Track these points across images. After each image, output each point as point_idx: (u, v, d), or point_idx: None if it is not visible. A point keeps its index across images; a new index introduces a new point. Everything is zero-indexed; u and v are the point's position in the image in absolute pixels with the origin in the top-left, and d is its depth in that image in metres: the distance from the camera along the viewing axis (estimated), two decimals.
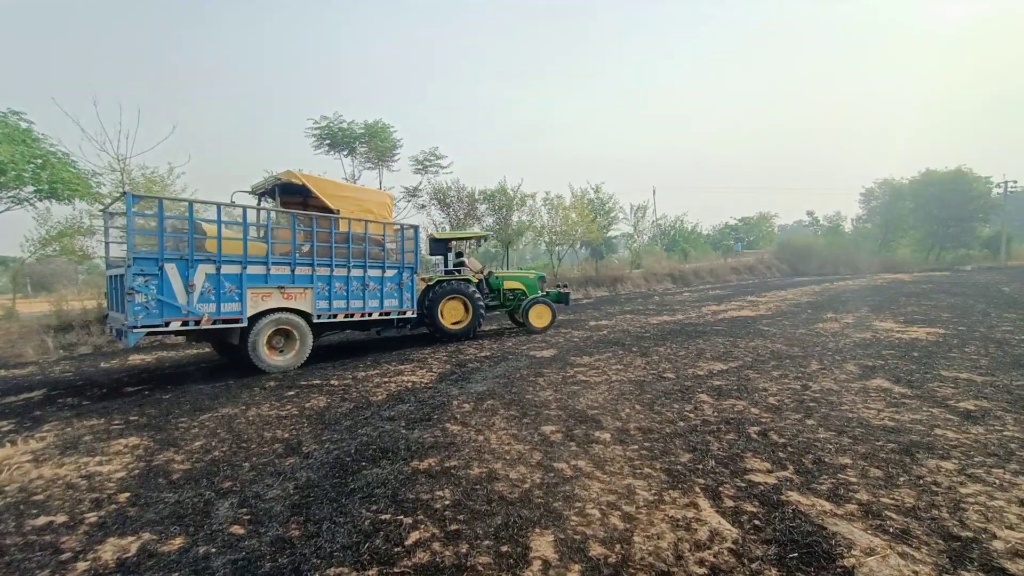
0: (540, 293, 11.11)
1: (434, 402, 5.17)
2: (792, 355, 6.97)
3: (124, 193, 6.29)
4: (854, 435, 3.81)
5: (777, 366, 6.32)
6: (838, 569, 2.17)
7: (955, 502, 2.74)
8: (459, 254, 10.75)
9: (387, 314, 8.44)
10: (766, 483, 3.04)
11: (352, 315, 7.97)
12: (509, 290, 11.03)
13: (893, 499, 2.79)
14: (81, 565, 2.41)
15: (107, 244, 7.32)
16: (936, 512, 2.64)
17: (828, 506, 2.73)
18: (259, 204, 9.01)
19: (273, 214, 7.93)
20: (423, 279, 9.48)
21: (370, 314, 8.18)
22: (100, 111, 12.25)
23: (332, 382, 6.37)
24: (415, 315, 8.89)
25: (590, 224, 23.11)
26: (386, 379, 6.44)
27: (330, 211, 7.97)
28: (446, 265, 10.71)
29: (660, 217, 37.23)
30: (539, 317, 10.54)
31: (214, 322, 6.57)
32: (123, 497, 3.15)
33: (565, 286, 12.16)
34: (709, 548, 2.37)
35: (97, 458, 3.90)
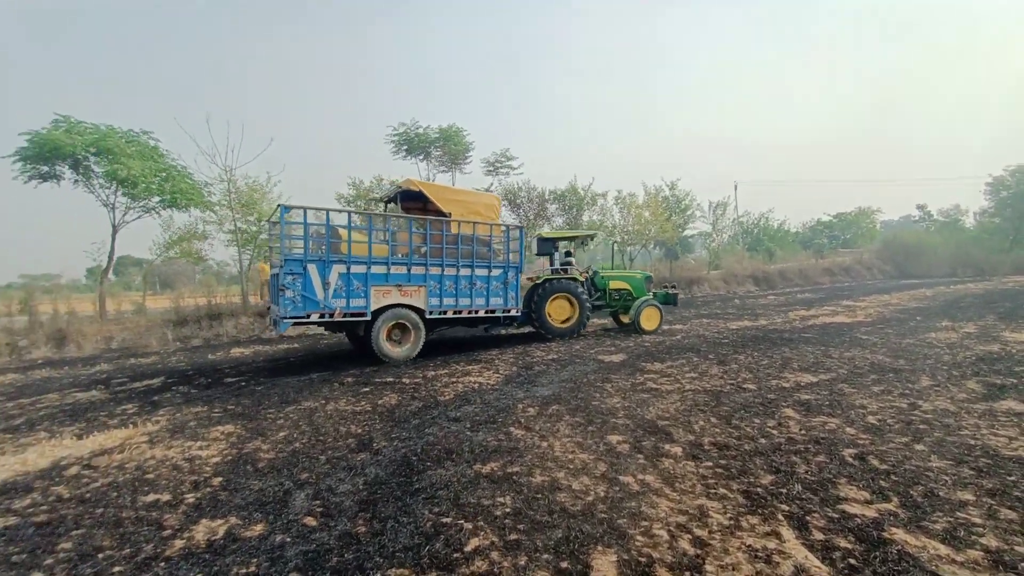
0: (648, 294, 11.06)
1: (499, 404, 5.19)
2: (897, 368, 6.18)
3: (279, 206, 7.35)
4: (977, 466, 3.28)
5: (878, 380, 5.63)
6: None
7: None
8: (567, 253, 11.01)
9: (492, 311, 8.84)
10: (864, 515, 2.69)
11: (460, 312, 8.51)
12: (615, 290, 11.10)
13: None
14: (178, 543, 2.66)
15: (270, 247, 8.65)
16: None
17: (944, 550, 2.35)
18: (385, 210, 10.01)
19: (393, 219, 8.95)
20: (530, 278, 9.97)
21: (477, 311, 8.67)
22: (212, 127, 13.76)
23: (404, 380, 6.61)
24: (519, 313, 9.19)
25: (664, 223, 22.20)
26: (454, 379, 6.57)
27: (444, 215, 8.68)
28: (552, 264, 10.94)
29: (742, 214, 34.90)
30: (648, 319, 10.51)
31: (344, 315, 7.44)
32: (217, 481, 3.47)
33: (674, 286, 12.09)
34: None
35: (199, 443, 4.33)
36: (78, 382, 7.60)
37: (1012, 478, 3.09)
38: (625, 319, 11.31)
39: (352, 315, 7.50)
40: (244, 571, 2.39)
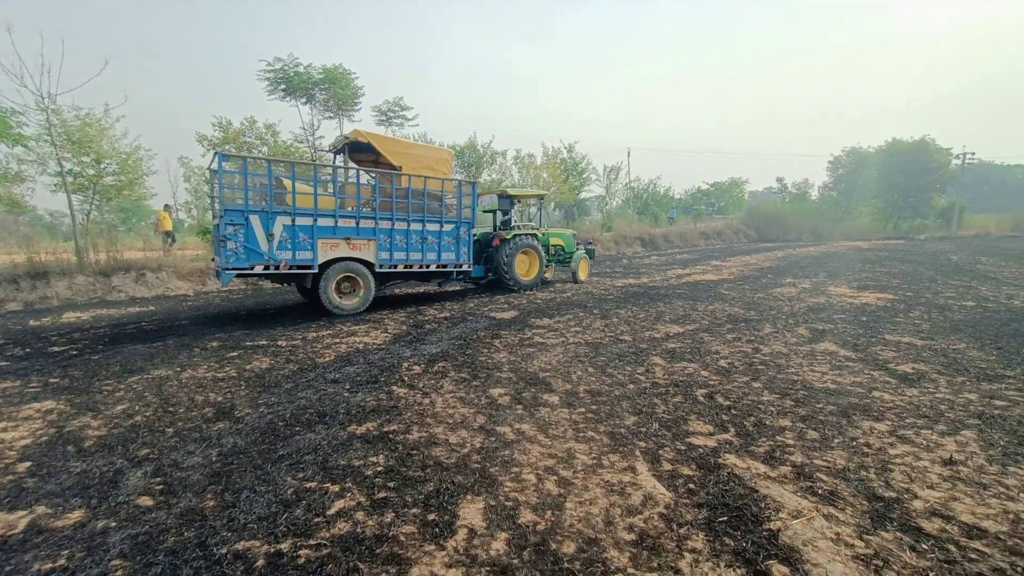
0: (576, 249, 12.53)
1: (383, 364, 5.00)
2: (748, 319, 7.06)
3: (216, 152, 6.96)
4: (796, 398, 3.86)
5: (732, 329, 6.38)
6: (764, 532, 2.16)
7: (883, 463, 2.78)
8: (505, 212, 11.32)
9: (444, 266, 8.94)
10: (706, 446, 3.03)
11: (411, 266, 8.55)
12: (554, 246, 12.19)
13: (826, 461, 2.82)
14: None
15: (212, 198, 8.06)
16: (864, 473, 2.67)
17: (763, 469, 2.73)
18: (334, 161, 9.59)
19: (341, 170, 8.53)
20: (502, 234, 10.34)
21: (427, 266, 8.71)
22: (15, 40, 10.84)
23: (280, 343, 6.09)
24: (471, 268, 9.36)
25: (562, 184, 22.78)
26: (337, 340, 6.20)
27: (394, 168, 8.46)
28: (502, 221, 11.21)
29: (634, 180, 37.10)
30: (583, 270, 12.25)
31: (290, 268, 7.31)
32: (23, 467, 2.89)
33: (590, 243, 13.63)
34: (641, 513, 2.33)
35: (2, 424, 3.59)
36: None
37: (819, 405, 3.69)
38: (547, 273, 12.36)
39: (299, 267, 7.37)
40: (49, 566, 2.02)
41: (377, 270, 8.17)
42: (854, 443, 3.04)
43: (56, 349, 6.12)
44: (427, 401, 3.91)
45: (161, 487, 2.62)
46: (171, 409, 3.81)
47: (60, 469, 2.85)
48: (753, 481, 2.59)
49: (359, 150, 9.17)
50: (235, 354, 5.58)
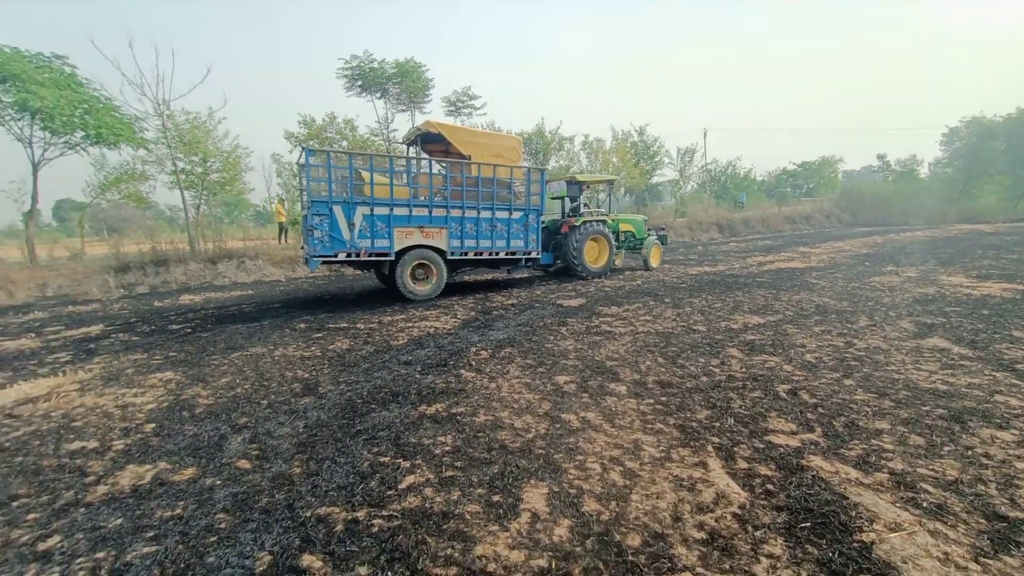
0: (648, 234, 12.16)
1: (452, 348, 5.16)
2: (840, 310, 6.45)
3: (303, 149, 7.49)
4: (897, 398, 3.47)
5: (821, 321, 5.86)
6: (854, 544, 1.97)
7: (1008, 478, 2.43)
8: (574, 198, 11.24)
9: (512, 254, 9.00)
10: (787, 445, 2.82)
11: (481, 253, 8.70)
12: (624, 232, 11.77)
13: (932, 470, 2.52)
14: (101, 489, 2.56)
15: (301, 191, 8.68)
16: (982, 488, 2.35)
17: (854, 474, 2.50)
18: (408, 153, 9.95)
19: (414, 161, 8.94)
20: (571, 221, 10.21)
21: (497, 253, 8.83)
22: (136, 53, 12.34)
23: (358, 326, 6.49)
24: (539, 255, 9.33)
25: (632, 169, 22.01)
26: (410, 324, 6.49)
27: (464, 157, 8.61)
28: (571, 208, 11.20)
29: (710, 162, 34.97)
30: (655, 256, 11.99)
31: (369, 255, 7.71)
32: (149, 427, 3.34)
33: (662, 229, 13.24)
34: (712, 511, 2.22)
35: (134, 390, 4.15)
36: (8, 331, 7.14)
37: (926, 408, 3.29)
38: (617, 260, 12.13)
39: (377, 255, 7.75)
40: (169, 514, 2.32)
41: (449, 257, 8.38)
42: (970, 453, 2.69)
43: (174, 327, 6.96)
44: (493, 385, 3.98)
45: (257, 452, 2.91)
46: (265, 383, 4.21)
47: (177, 432, 3.25)
48: (842, 487, 2.38)
49: (431, 141, 9.46)
50: (320, 335, 6.02)
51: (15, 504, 2.47)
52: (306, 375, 4.42)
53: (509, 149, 9.35)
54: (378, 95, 16.34)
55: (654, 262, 11.81)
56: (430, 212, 8.10)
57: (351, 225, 7.45)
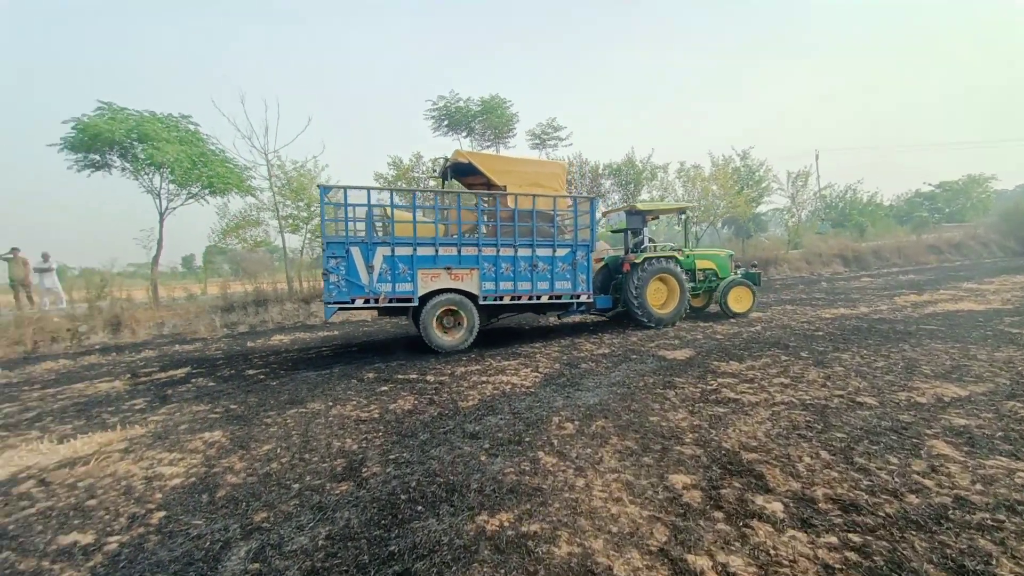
0: (732, 274, 9.94)
1: (530, 416, 4.18)
2: None
3: (318, 186, 6.96)
4: None
5: None
6: None
7: None
8: (635, 232, 9.60)
9: (558, 297, 7.73)
10: None
11: (519, 297, 7.53)
12: (701, 270, 9.86)
13: None
14: None
15: (323, 232, 7.74)
16: None
17: None
18: (442, 187, 8.99)
19: (441, 195, 8.09)
20: (631, 257, 8.75)
21: (538, 297, 7.62)
22: (248, 108, 13.56)
23: (428, 378, 5.78)
24: (590, 298, 7.97)
25: (735, 197, 19.91)
26: (484, 378, 5.64)
27: (499, 188, 7.74)
28: (634, 242, 9.67)
29: (825, 186, 31.09)
30: (738, 300, 9.51)
31: (390, 300, 6.93)
32: (156, 518, 2.74)
33: (755, 265, 10.77)
34: None
35: (173, 455, 3.70)
36: (114, 370, 7.48)
37: None
38: (697, 303, 10.15)
39: (398, 300, 6.96)
40: None
41: (481, 302, 7.34)
42: None
43: (251, 372, 6.79)
44: (581, 483, 2.92)
45: None
46: (306, 456, 3.53)
47: (181, 529, 2.60)
48: None
49: (469, 173, 8.42)
50: (385, 388, 5.38)
51: None
52: (354, 447, 3.69)
53: (552, 176, 8.24)
54: (464, 133, 16.52)
55: (736, 307, 9.42)
56: (459, 251, 7.16)
57: (370, 268, 6.75)
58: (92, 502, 2.98)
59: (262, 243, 18.21)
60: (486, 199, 8.11)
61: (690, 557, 2.16)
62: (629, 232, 9.72)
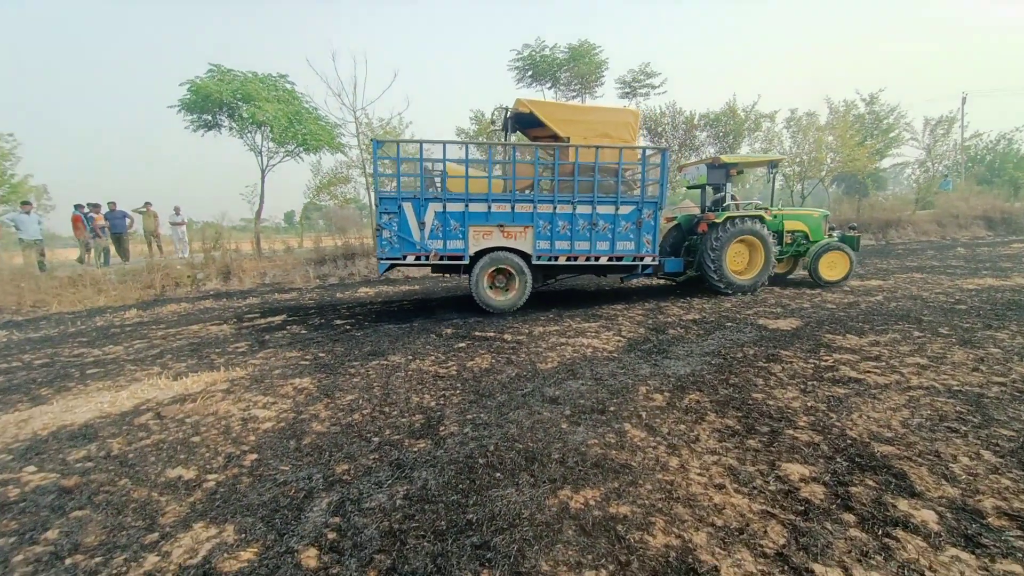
0: (828, 237, 8.77)
1: (614, 383, 3.88)
2: None
3: (372, 140, 6.90)
4: None
5: None
6: None
7: None
8: (718, 188, 8.68)
9: (619, 258, 7.14)
10: None
11: (576, 258, 7.07)
12: (790, 232, 8.79)
13: None
14: (148, 559, 2.01)
15: (376, 186, 7.65)
16: None
17: None
18: (505, 141, 8.54)
19: (495, 148, 7.62)
20: (710, 216, 7.99)
21: (597, 258, 7.09)
22: (338, 65, 13.72)
23: (505, 336, 5.65)
24: (655, 260, 7.29)
25: (855, 148, 17.26)
26: (563, 339, 5.39)
27: (562, 140, 7.17)
28: (713, 199, 8.87)
29: (971, 136, 26.07)
30: (831, 267, 8.37)
31: (441, 258, 6.79)
32: (249, 460, 2.86)
33: (853, 227, 9.32)
34: None
35: (267, 398, 3.89)
36: (223, 315, 8.21)
37: None
38: (780, 268, 9.21)
39: (450, 257, 6.80)
40: None
41: (535, 262, 6.94)
42: None
43: (339, 322, 7.10)
44: (675, 463, 2.61)
45: (334, 537, 2.10)
46: (386, 410, 3.54)
47: (270, 474, 2.68)
48: None
49: (533, 124, 7.71)
50: (462, 344, 5.34)
51: (66, 562, 2.06)
52: (432, 403, 3.64)
53: (621, 125, 7.35)
54: (549, 85, 15.64)
55: (828, 274, 8.27)
56: (512, 208, 6.76)
57: (422, 224, 6.61)
58: (196, 439, 3.19)
59: (351, 200, 19.05)
60: (544, 152, 7.50)
61: (817, 567, 1.80)
62: (707, 188, 8.74)
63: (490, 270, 6.99)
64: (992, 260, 10.79)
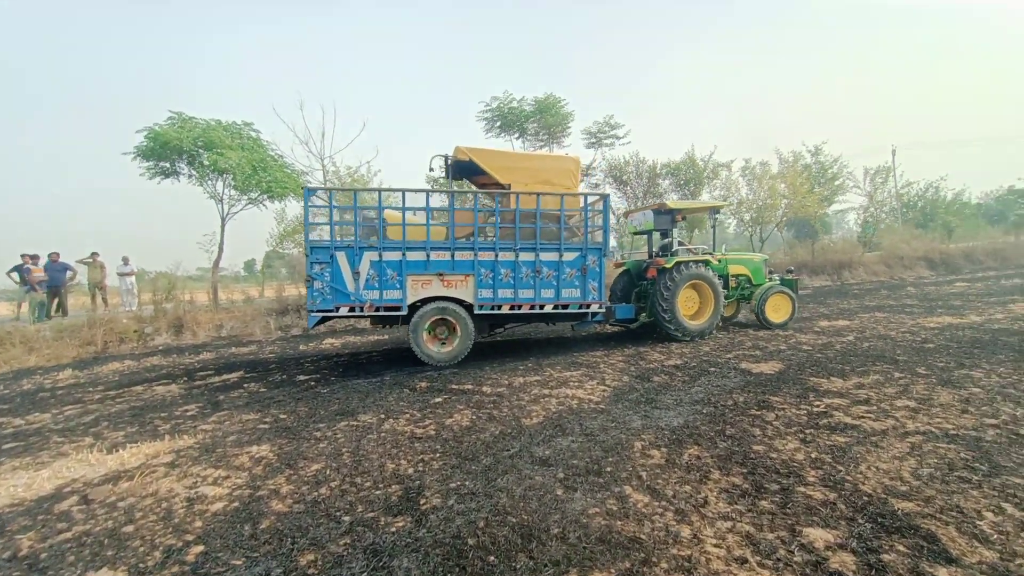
0: (767, 280, 8.97)
1: (607, 440, 3.62)
2: None
3: (303, 188, 6.72)
4: None
5: None
6: None
7: None
8: (664, 234, 8.71)
9: (564, 306, 6.92)
10: None
11: (519, 306, 6.83)
12: (735, 276, 8.90)
13: None
14: None
15: (306, 235, 7.15)
16: None
17: None
18: (450, 187, 8.34)
19: (434, 196, 7.52)
20: (659, 261, 7.88)
21: (541, 306, 6.87)
22: (305, 114, 13.69)
23: (484, 388, 5.33)
24: (600, 307, 7.05)
25: (805, 196, 18.36)
26: (546, 390, 5.12)
27: (502, 187, 7.14)
28: (661, 244, 8.92)
29: (904, 184, 28.35)
30: (776, 310, 8.59)
31: (376, 309, 6.50)
32: (193, 554, 2.40)
33: (791, 271, 9.70)
34: None
35: (218, 472, 3.41)
36: (172, 372, 7.53)
37: None
38: (725, 312, 9.30)
39: (387, 308, 6.52)
40: None
41: (477, 311, 6.72)
42: None
43: (302, 378, 6.59)
44: (687, 533, 2.34)
45: None
46: (357, 481, 3.14)
47: (217, 573, 2.24)
48: None
49: (475, 172, 7.59)
50: (439, 400, 4.98)
51: None
52: (410, 470, 3.26)
53: (563, 172, 7.39)
54: (516, 135, 16.08)
55: (774, 317, 8.48)
56: (452, 256, 6.61)
57: (356, 274, 6.39)
58: (129, 528, 2.69)
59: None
60: (485, 199, 7.40)
61: None
62: (654, 234, 8.85)
63: (430, 320, 6.73)
64: (942, 298, 11.35)
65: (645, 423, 3.95)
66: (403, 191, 6.74)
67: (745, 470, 3.00)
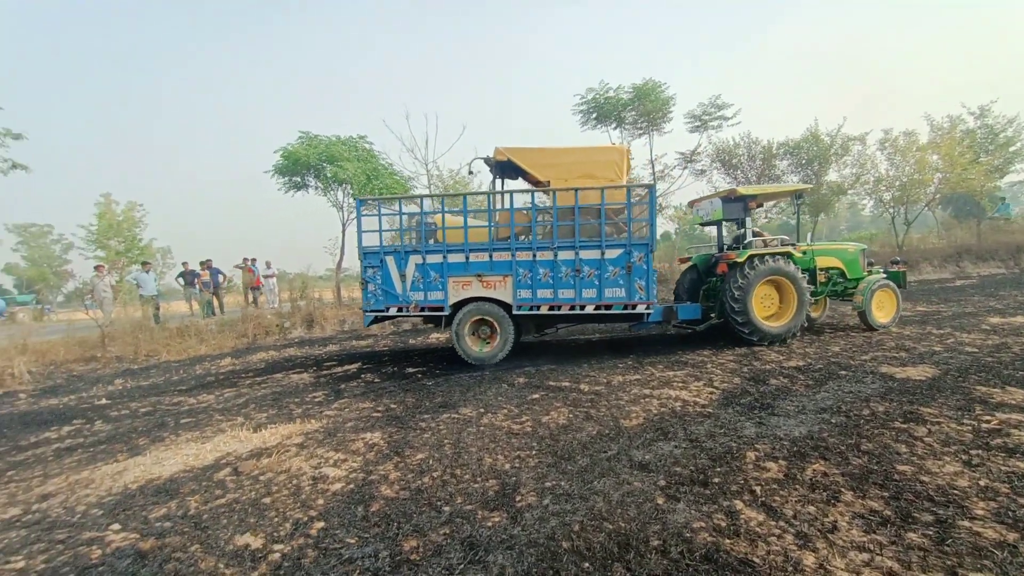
0: (867, 273, 7.74)
1: (714, 447, 3.35)
2: None
3: (356, 199, 7.32)
4: None
5: None
6: None
7: None
8: (740, 223, 7.79)
9: (608, 307, 6.54)
10: None
11: (559, 307, 6.64)
12: (823, 269, 7.76)
13: None
14: None
15: (359, 242, 7.64)
16: None
17: None
18: (492, 188, 8.35)
19: (472, 197, 7.95)
20: (729, 255, 7.18)
21: (583, 307, 6.59)
22: (411, 124, 14.69)
23: (581, 386, 5.25)
24: (648, 308, 6.48)
25: (967, 167, 15.29)
26: (647, 390, 4.90)
27: (542, 184, 7.13)
28: (733, 236, 8.19)
29: None
30: (879, 308, 7.38)
31: (422, 309, 6.92)
32: (316, 528, 2.68)
33: (897, 262, 8.30)
34: None
35: (338, 455, 3.78)
36: (305, 362, 8.54)
37: None
38: (811, 312, 8.01)
39: (431, 309, 6.89)
40: None
41: (515, 312, 6.65)
42: None
43: (411, 370, 7.07)
44: (811, 561, 2.07)
45: None
46: (457, 472, 3.26)
47: (335, 547, 2.47)
48: None
49: (517, 172, 7.48)
50: (536, 396, 5.01)
51: None
52: (507, 465, 3.32)
53: (606, 165, 6.91)
54: (613, 125, 15.55)
55: (880, 316, 7.29)
56: (490, 257, 6.64)
57: (403, 276, 6.79)
58: (267, 499, 3.09)
59: None
60: (518, 198, 7.38)
61: None
62: (724, 224, 7.95)
63: (470, 320, 6.91)
64: None
65: (760, 431, 3.59)
66: (443, 196, 7.30)
67: (887, 494, 2.58)
